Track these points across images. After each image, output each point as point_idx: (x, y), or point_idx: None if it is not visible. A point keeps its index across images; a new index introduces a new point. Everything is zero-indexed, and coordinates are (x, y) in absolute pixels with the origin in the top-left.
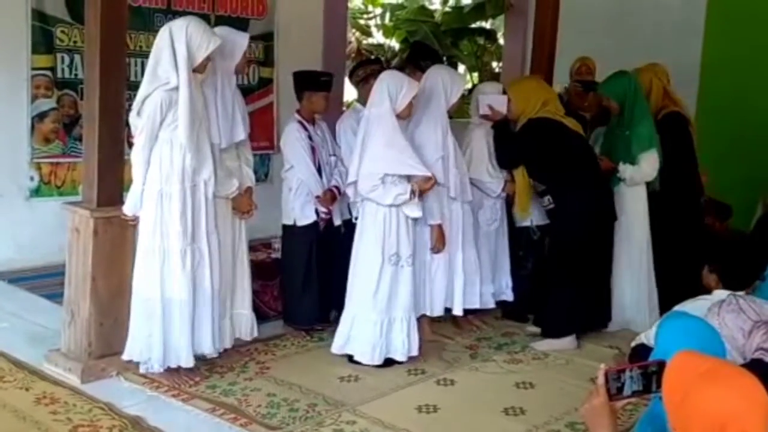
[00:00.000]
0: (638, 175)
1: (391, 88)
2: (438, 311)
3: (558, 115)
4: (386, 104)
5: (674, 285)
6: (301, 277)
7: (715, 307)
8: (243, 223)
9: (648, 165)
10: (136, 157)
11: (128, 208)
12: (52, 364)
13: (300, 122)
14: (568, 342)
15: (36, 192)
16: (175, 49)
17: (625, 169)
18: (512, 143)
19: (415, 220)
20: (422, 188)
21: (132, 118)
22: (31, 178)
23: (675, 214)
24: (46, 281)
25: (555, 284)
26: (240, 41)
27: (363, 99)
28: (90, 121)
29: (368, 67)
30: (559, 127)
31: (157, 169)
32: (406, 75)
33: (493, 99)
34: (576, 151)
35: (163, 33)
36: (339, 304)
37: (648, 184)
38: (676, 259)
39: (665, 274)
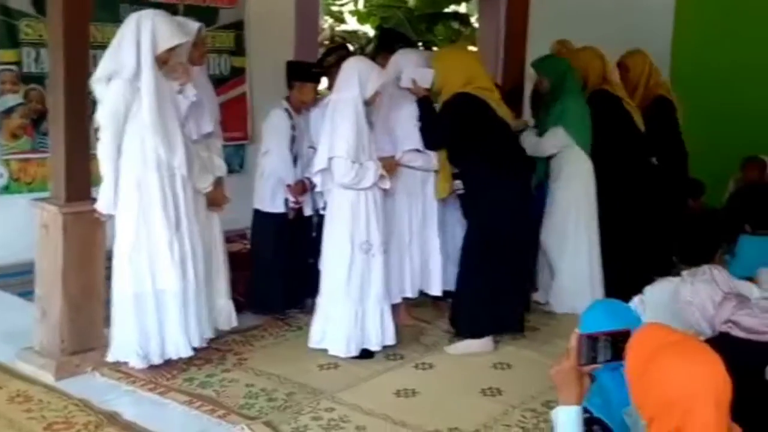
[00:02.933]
0: (531, 147)
1: (362, 74)
2: (413, 293)
3: (485, 93)
4: (355, 90)
5: (650, 264)
6: (268, 262)
7: (689, 276)
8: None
9: (547, 140)
10: (104, 152)
11: (102, 206)
12: (25, 361)
13: (287, 110)
14: (484, 343)
15: (5, 189)
16: (140, 35)
17: (525, 137)
18: (434, 122)
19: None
20: (388, 170)
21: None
22: (0, 175)
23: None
24: (17, 279)
25: (465, 279)
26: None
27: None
28: (55, 116)
29: (338, 53)
30: (481, 106)
31: (132, 160)
32: (379, 63)
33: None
34: (495, 136)
35: (130, 19)
36: (308, 295)
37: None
38: (651, 238)
39: (642, 254)
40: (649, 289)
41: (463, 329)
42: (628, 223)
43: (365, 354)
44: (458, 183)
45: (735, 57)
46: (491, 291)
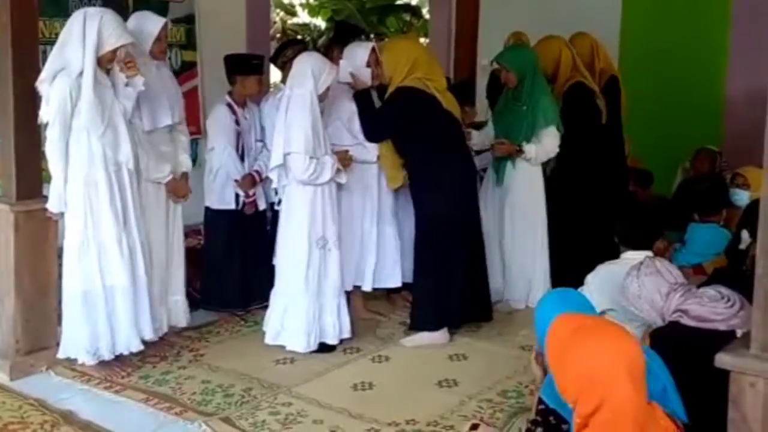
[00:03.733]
0: (542, 152)
1: (315, 69)
2: (369, 287)
3: (429, 83)
4: (309, 85)
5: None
6: (221, 259)
7: (634, 270)
8: (178, 207)
9: (549, 141)
10: (52, 150)
11: (53, 205)
12: None
13: (229, 105)
14: (439, 336)
15: None
16: (85, 33)
17: (530, 149)
18: (375, 115)
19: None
20: (344, 164)
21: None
22: None
23: (590, 186)
24: None
25: (419, 271)
26: (149, 28)
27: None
28: (4, 113)
29: (295, 47)
30: (424, 98)
31: (78, 157)
32: (334, 55)
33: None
34: (439, 126)
35: (77, 16)
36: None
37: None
38: (599, 230)
39: (590, 246)
40: (590, 276)
41: (419, 322)
42: (575, 213)
43: (324, 348)
44: (403, 176)
45: (684, 44)
46: (445, 281)
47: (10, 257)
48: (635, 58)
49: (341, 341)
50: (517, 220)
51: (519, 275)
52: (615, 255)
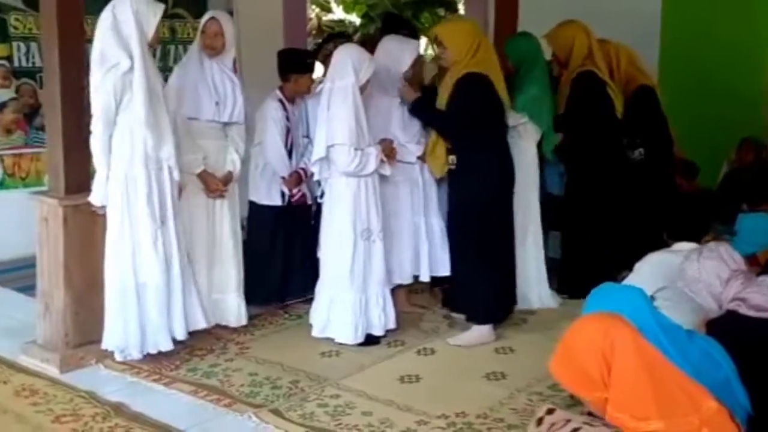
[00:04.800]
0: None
1: (355, 61)
2: (407, 279)
3: (490, 68)
4: (351, 78)
5: (649, 247)
6: (263, 254)
7: (695, 253)
8: (225, 204)
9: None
10: (96, 145)
11: (96, 198)
12: (29, 356)
13: (280, 101)
14: (487, 334)
15: (0, 184)
16: (122, 29)
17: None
18: (449, 112)
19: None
20: (388, 154)
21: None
22: None
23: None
24: (16, 274)
25: (467, 262)
26: (201, 22)
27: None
28: (51, 109)
29: (337, 41)
30: (488, 85)
31: (120, 154)
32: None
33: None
34: (496, 114)
35: (106, 14)
36: (305, 286)
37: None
38: (648, 221)
39: (641, 236)
40: (639, 264)
41: (472, 315)
42: (610, 210)
43: (370, 340)
44: (453, 158)
45: (727, 33)
46: (496, 273)
47: (59, 251)
48: (677, 49)
49: (386, 334)
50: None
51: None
52: (660, 247)
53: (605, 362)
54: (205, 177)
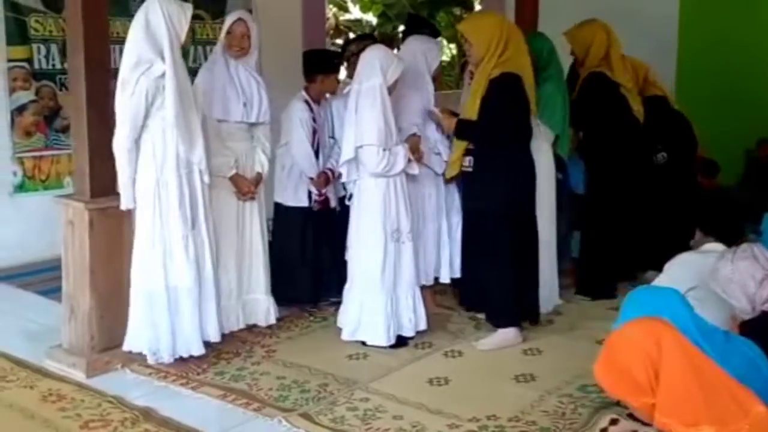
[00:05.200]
0: None
1: (383, 62)
2: (430, 280)
3: (521, 65)
4: (378, 78)
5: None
6: (290, 256)
7: (729, 254)
8: (254, 206)
9: None
10: (119, 147)
11: (126, 202)
12: (55, 360)
13: (306, 101)
14: (513, 337)
15: (20, 187)
16: (154, 31)
17: None
18: (489, 122)
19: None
20: (414, 145)
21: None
22: (14, 174)
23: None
24: (36, 278)
25: (493, 265)
26: (225, 24)
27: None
28: (77, 111)
29: (362, 43)
30: (521, 85)
31: (152, 158)
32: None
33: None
34: (521, 115)
35: (138, 17)
36: (334, 286)
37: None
38: (670, 221)
39: (662, 236)
40: (669, 264)
41: (497, 319)
42: (629, 210)
43: (400, 342)
44: (470, 159)
45: (745, 31)
46: (522, 276)
47: (85, 254)
48: (694, 51)
49: (414, 335)
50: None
51: None
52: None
53: (652, 367)
54: (236, 180)
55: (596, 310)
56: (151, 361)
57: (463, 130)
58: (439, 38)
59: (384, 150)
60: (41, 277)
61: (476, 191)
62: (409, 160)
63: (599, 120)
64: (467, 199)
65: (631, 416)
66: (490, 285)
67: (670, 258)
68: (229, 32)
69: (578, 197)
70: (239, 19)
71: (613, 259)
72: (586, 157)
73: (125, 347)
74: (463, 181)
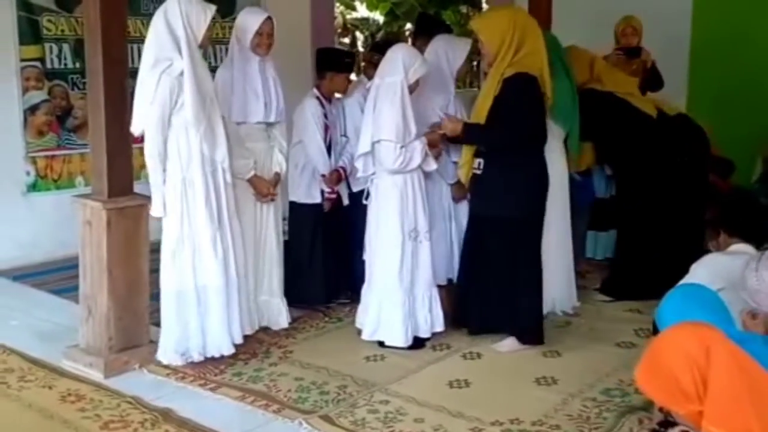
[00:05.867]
0: None
1: (406, 60)
2: (442, 280)
3: (536, 64)
4: (400, 75)
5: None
6: (304, 255)
7: (753, 262)
8: (270, 206)
9: None
10: (151, 155)
11: (157, 210)
12: (72, 360)
13: (318, 98)
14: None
15: (33, 187)
16: (174, 31)
17: None
18: (500, 126)
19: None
20: (432, 139)
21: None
22: (27, 173)
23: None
24: (50, 277)
25: (513, 276)
26: (250, 22)
27: (370, 76)
28: (95, 110)
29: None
30: (538, 87)
31: (177, 157)
32: (417, 48)
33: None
34: (537, 118)
35: (158, 17)
36: (349, 285)
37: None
38: (685, 221)
39: (677, 237)
40: (695, 265)
41: (528, 336)
42: (659, 212)
43: (417, 343)
44: (479, 162)
45: (759, 29)
46: (538, 292)
47: (102, 255)
48: (708, 48)
49: (431, 336)
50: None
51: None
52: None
53: (700, 374)
54: (255, 181)
55: (614, 311)
56: (180, 362)
57: (470, 133)
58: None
59: (401, 147)
60: (55, 276)
61: (487, 196)
62: (426, 155)
63: (610, 132)
64: (476, 204)
65: (663, 423)
66: (515, 300)
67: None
68: (259, 32)
69: (599, 200)
70: (269, 17)
71: (646, 262)
72: (612, 165)
73: (159, 356)
74: (471, 184)
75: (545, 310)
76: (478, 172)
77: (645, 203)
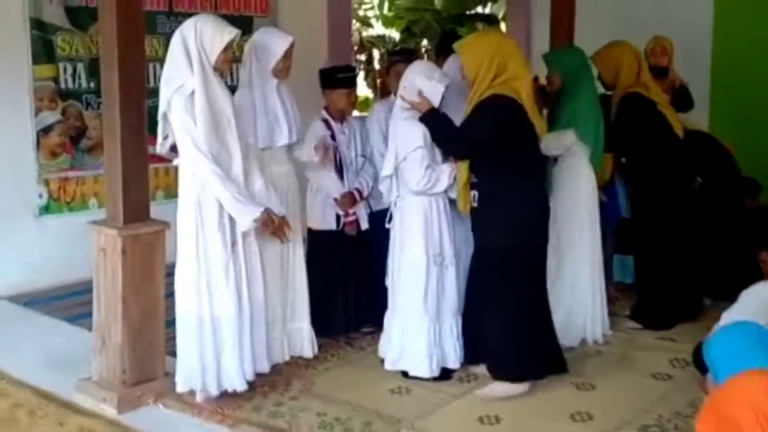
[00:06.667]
0: (554, 143)
1: (425, 76)
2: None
3: (519, 88)
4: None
5: (724, 271)
6: (322, 283)
7: None
8: (298, 227)
9: (556, 139)
10: (211, 182)
11: (246, 223)
12: (84, 394)
13: (325, 120)
14: (521, 387)
15: (45, 209)
16: (188, 50)
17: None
18: (460, 128)
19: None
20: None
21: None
22: (40, 195)
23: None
24: (61, 303)
25: (491, 314)
26: (274, 46)
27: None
28: (110, 132)
29: (401, 56)
30: (515, 109)
31: (191, 179)
32: (438, 64)
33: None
34: (524, 143)
35: (176, 37)
36: (366, 316)
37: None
38: (719, 244)
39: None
40: (746, 294)
41: (496, 371)
42: (678, 235)
43: (444, 374)
44: (474, 194)
45: None
46: (521, 327)
47: (117, 283)
48: (729, 61)
49: (458, 367)
50: (562, 230)
51: (570, 301)
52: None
53: None
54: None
55: (646, 339)
56: (199, 398)
57: (429, 119)
58: None
59: (426, 167)
60: (67, 302)
61: (477, 227)
62: (454, 180)
63: (642, 142)
64: (474, 236)
65: None
66: (490, 332)
67: (721, 285)
68: (284, 57)
69: (622, 220)
70: (293, 42)
71: (670, 286)
72: (631, 182)
73: (179, 388)
74: (471, 218)
75: (577, 337)
76: (475, 204)
77: (661, 226)
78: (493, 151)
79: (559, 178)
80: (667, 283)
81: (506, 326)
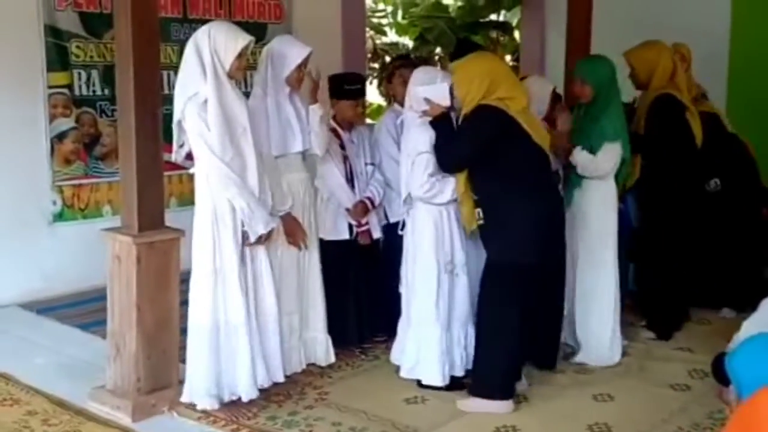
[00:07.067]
0: (592, 166)
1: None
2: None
3: (510, 104)
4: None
5: (741, 282)
6: (335, 293)
7: None
8: (314, 236)
9: (605, 157)
10: (226, 186)
11: (263, 226)
12: (98, 402)
13: (333, 129)
14: (505, 405)
15: (59, 216)
16: (202, 58)
17: (578, 154)
18: (452, 139)
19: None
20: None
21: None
22: (54, 202)
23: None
24: (75, 310)
25: (487, 333)
26: (291, 55)
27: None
28: (125, 139)
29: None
30: (505, 120)
31: (206, 185)
32: None
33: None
34: (519, 154)
35: (189, 44)
36: (379, 325)
37: (617, 180)
38: (737, 255)
39: (729, 271)
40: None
41: (478, 387)
42: (685, 243)
43: (455, 383)
44: (478, 211)
45: None
46: (511, 346)
47: (131, 291)
48: (746, 66)
49: (467, 375)
50: (583, 247)
51: (591, 317)
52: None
53: None
54: (291, 223)
55: (663, 350)
56: (213, 404)
57: (443, 126)
58: None
59: (430, 175)
60: (80, 310)
61: (487, 242)
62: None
63: (662, 145)
64: (485, 249)
65: None
66: (478, 348)
67: (735, 294)
68: (300, 67)
69: (633, 230)
70: (310, 53)
71: (669, 295)
72: (640, 187)
73: (184, 398)
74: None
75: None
76: (481, 222)
77: (667, 232)
78: (485, 163)
79: (587, 192)
80: (663, 292)
81: (493, 340)
